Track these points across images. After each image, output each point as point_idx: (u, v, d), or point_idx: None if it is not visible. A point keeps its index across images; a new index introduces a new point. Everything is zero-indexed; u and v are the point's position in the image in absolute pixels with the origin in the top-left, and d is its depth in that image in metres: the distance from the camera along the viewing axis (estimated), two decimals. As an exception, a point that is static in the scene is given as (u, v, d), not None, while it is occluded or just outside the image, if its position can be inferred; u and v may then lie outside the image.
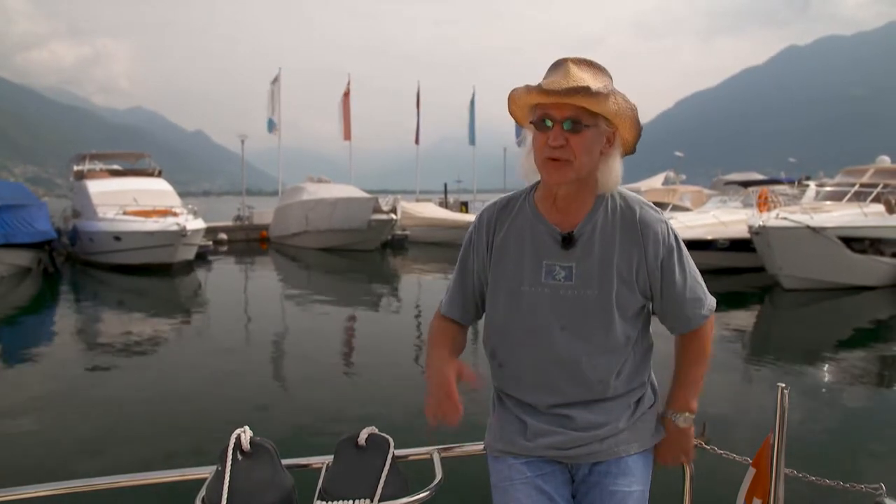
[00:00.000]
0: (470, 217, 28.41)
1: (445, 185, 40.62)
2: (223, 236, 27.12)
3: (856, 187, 16.05)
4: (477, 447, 1.89)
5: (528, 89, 1.60)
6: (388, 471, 1.69)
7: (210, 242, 23.13)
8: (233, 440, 1.63)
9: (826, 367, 8.51)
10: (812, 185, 19.12)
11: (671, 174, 33.18)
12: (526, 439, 1.72)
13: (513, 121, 1.75)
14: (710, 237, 15.69)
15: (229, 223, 30.00)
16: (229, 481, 1.57)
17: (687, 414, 1.79)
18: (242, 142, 32.49)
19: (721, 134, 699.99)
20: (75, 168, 24.57)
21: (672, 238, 1.69)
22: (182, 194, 25.57)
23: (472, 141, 39.80)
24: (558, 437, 1.70)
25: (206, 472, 1.68)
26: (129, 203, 20.18)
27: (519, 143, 1.76)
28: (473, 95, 38.67)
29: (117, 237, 18.66)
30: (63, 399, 7.14)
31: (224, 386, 7.47)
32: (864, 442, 5.70)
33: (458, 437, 1.88)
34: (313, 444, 5.29)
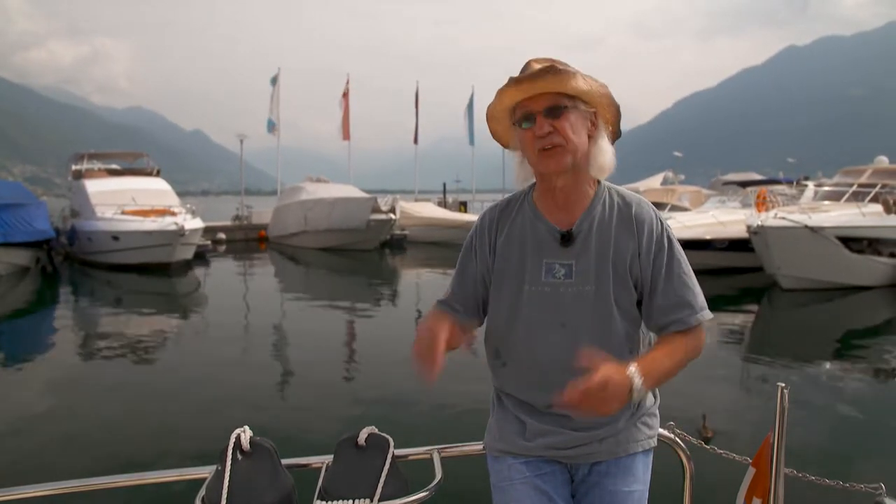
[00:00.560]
0: (469, 217, 28.44)
1: (444, 185, 40.67)
2: (222, 236, 27.12)
3: (854, 187, 16.08)
4: (476, 447, 1.89)
5: (501, 91, 1.65)
6: (388, 471, 1.70)
7: (209, 242, 23.12)
8: (232, 440, 1.63)
9: (825, 366, 8.53)
10: (810, 185, 19.14)
11: (670, 174, 33.21)
12: (525, 439, 1.72)
13: None
14: (708, 237, 15.70)
15: (228, 223, 30.00)
16: (229, 481, 1.57)
17: (641, 386, 1.51)
18: (241, 141, 32.51)
19: (720, 134, 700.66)
20: (74, 167, 24.57)
21: (666, 237, 1.69)
22: (181, 194, 25.58)
23: (471, 141, 39.82)
24: (558, 436, 1.70)
25: (206, 471, 1.68)
26: (127, 202, 20.19)
27: None
28: (472, 95, 38.67)
29: (115, 237, 18.66)
30: (61, 398, 7.13)
31: (223, 385, 7.47)
32: (864, 442, 5.70)
33: (458, 437, 1.88)
34: (313, 443, 5.28)
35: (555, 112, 1.59)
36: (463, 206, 35.00)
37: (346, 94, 34.09)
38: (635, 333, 1.73)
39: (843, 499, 2.25)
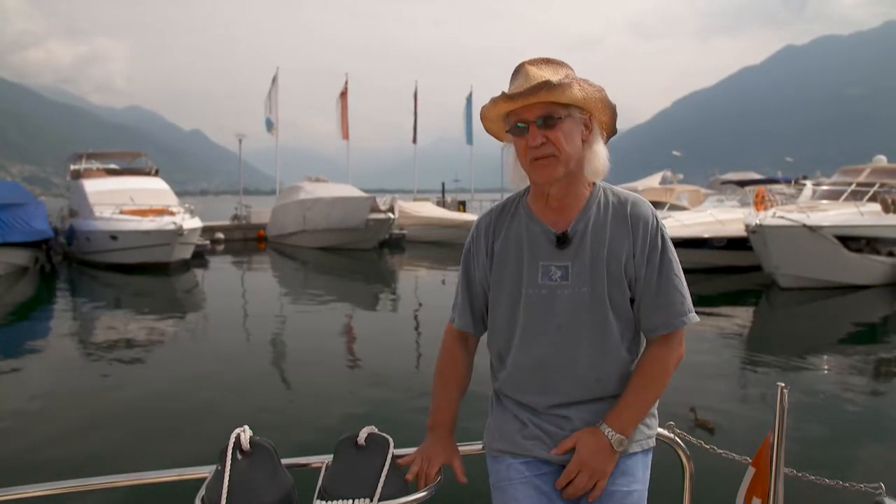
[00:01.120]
0: (467, 216, 28.44)
1: (443, 185, 40.63)
2: (220, 235, 27.10)
3: (852, 186, 16.10)
4: (476, 447, 1.89)
5: (495, 101, 1.65)
6: (388, 470, 1.69)
7: (207, 242, 23.11)
8: (232, 440, 1.63)
9: (824, 365, 8.54)
10: (809, 184, 19.17)
11: (668, 173, 33.24)
12: (525, 439, 1.73)
13: None
14: (707, 236, 15.71)
15: (227, 222, 29.97)
16: (229, 481, 1.56)
17: (622, 437, 1.64)
18: (240, 141, 32.50)
19: (718, 133, 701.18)
20: (72, 167, 24.55)
21: (660, 237, 1.69)
22: (179, 193, 25.56)
23: (469, 140, 39.80)
24: (557, 437, 1.70)
25: (206, 471, 1.68)
26: (125, 202, 20.18)
27: None
28: (471, 94, 38.65)
29: (114, 236, 18.65)
30: (60, 398, 7.13)
31: (223, 385, 7.47)
32: (863, 441, 5.70)
33: (458, 437, 1.88)
34: (313, 443, 5.29)
35: (548, 122, 1.59)
36: (461, 206, 34.96)
37: (344, 94, 34.07)
38: (631, 333, 1.73)
39: (843, 499, 2.25)
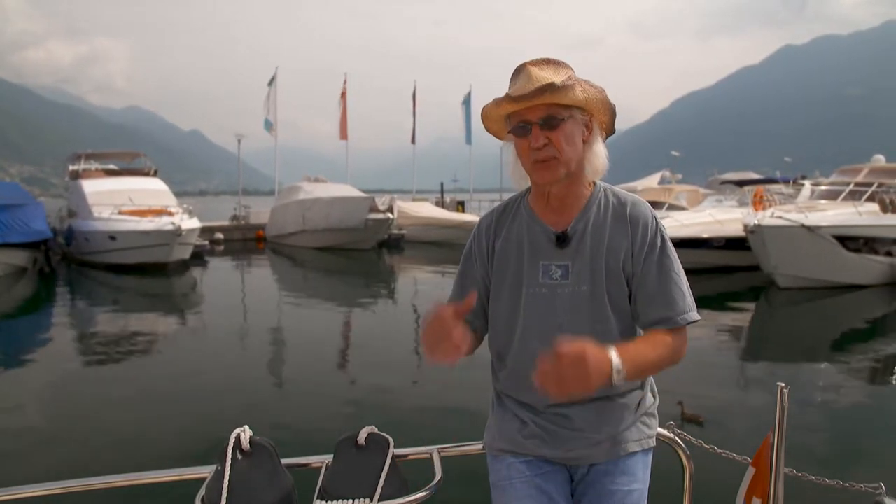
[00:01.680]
0: (466, 217, 28.44)
1: (442, 185, 40.63)
2: (220, 236, 27.09)
3: (850, 186, 16.13)
4: (476, 447, 1.89)
5: (497, 102, 1.65)
6: (388, 470, 1.69)
7: (206, 242, 23.11)
8: (232, 440, 1.63)
9: (823, 365, 8.54)
10: (807, 184, 19.19)
11: (667, 173, 33.25)
12: (525, 439, 1.73)
13: None
14: (705, 236, 15.72)
15: (226, 223, 29.97)
16: (229, 481, 1.57)
17: (620, 368, 1.44)
18: (239, 141, 32.50)
19: (717, 133, 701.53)
20: (71, 167, 24.55)
21: (659, 237, 1.69)
22: (178, 194, 25.56)
23: (468, 140, 39.78)
24: (558, 437, 1.70)
25: (206, 471, 1.68)
26: (124, 202, 20.17)
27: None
28: (469, 94, 38.60)
29: (112, 237, 18.64)
30: (60, 398, 7.13)
31: (223, 385, 7.47)
32: (863, 441, 5.71)
33: (458, 437, 1.88)
34: (313, 443, 5.28)
35: (551, 124, 1.59)
36: (460, 206, 34.96)
37: (344, 94, 34.09)
38: (631, 332, 1.73)
39: (843, 498, 2.25)
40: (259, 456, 1.64)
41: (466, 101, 38.54)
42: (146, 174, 24.74)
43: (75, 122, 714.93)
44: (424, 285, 17.56)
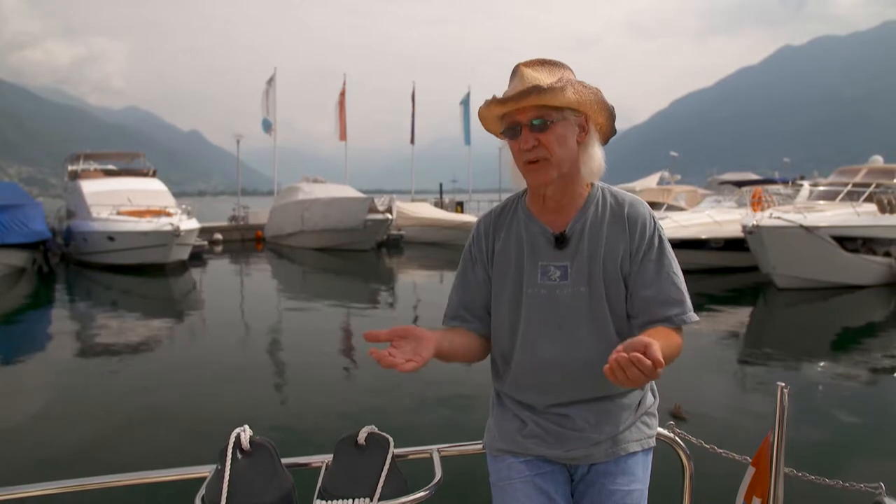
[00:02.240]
0: (465, 217, 28.45)
1: (441, 185, 40.67)
2: (218, 236, 27.10)
3: (849, 187, 16.14)
4: (476, 447, 1.89)
5: (488, 104, 1.65)
6: (388, 470, 1.69)
7: (205, 242, 23.10)
8: (232, 439, 1.63)
9: (822, 365, 8.54)
10: (806, 184, 19.20)
11: (666, 174, 33.33)
12: (525, 438, 1.73)
13: None
14: (704, 236, 15.72)
15: (225, 223, 29.97)
16: (229, 480, 1.57)
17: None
18: (238, 142, 32.52)
19: (716, 134, 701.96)
20: (70, 168, 24.55)
21: (657, 237, 1.69)
22: (177, 194, 25.55)
23: (467, 141, 39.78)
24: (558, 436, 1.71)
25: (206, 471, 1.68)
26: (123, 203, 20.17)
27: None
28: (468, 95, 38.58)
29: (111, 237, 18.64)
30: (59, 398, 7.12)
31: (222, 385, 7.46)
32: (863, 441, 5.70)
33: (458, 437, 1.88)
34: (313, 443, 5.30)
35: (541, 126, 1.59)
36: (459, 207, 34.97)
37: (342, 95, 34.09)
38: (630, 333, 1.73)
39: (843, 498, 2.25)
40: (259, 455, 1.64)
41: (465, 102, 38.48)
42: (145, 175, 24.74)
43: (74, 123, 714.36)
44: (423, 286, 17.56)
